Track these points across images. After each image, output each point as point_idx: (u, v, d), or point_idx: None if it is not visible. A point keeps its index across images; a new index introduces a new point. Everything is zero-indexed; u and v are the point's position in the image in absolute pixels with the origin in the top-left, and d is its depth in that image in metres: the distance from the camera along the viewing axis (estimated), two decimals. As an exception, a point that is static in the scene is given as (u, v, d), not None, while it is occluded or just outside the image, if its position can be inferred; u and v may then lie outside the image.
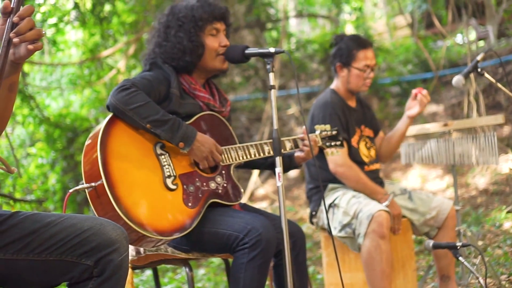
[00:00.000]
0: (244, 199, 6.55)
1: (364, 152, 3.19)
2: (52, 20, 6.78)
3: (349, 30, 10.56)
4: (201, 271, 4.95)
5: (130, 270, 2.29)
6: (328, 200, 3.05)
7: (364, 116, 3.30)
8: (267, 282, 2.95)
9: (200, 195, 2.26)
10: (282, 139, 2.44)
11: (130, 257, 2.34)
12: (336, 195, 3.04)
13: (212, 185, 2.32)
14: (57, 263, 1.57)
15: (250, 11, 8.29)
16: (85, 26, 6.91)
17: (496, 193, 5.22)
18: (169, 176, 2.20)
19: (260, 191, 7.28)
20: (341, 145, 2.72)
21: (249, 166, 2.62)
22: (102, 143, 2.10)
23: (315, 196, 3.14)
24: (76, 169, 6.39)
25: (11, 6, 1.46)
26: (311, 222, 3.21)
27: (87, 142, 2.17)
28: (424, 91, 3.12)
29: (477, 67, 2.90)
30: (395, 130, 3.24)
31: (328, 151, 2.68)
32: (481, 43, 8.04)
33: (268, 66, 2.21)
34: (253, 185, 7.03)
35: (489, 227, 4.42)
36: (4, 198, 5.28)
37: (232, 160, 2.39)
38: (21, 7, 1.49)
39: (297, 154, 2.57)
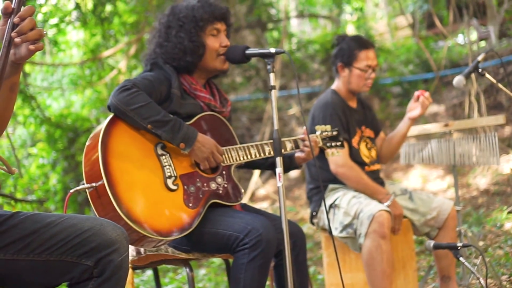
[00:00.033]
0: (245, 199, 6.55)
1: (365, 153, 3.19)
2: (54, 21, 6.79)
3: (350, 30, 10.56)
4: (202, 271, 4.95)
5: (130, 270, 2.29)
6: (328, 201, 3.05)
7: (365, 117, 3.30)
8: (268, 282, 2.95)
9: (201, 196, 2.26)
10: (282, 139, 2.44)
11: (130, 257, 2.34)
12: (336, 196, 3.04)
13: (213, 185, 2.32)
14: (57, 264, 1.57)
15: (251, 11, 8.30)
16: (86, 27, 6.92)
17: (497, 193, 5.22)
18: (170, 177, 2.21)
19: (261, 191, 7.28)
20: (342, 146, 2.72)
21: (249, 166, 2.62)
22: (103, 143, 2.10)
23: (316, 196, 3.14)
24: (77, 169, 6.39)
25: (12, 6, 1.46)
26: (312, 223, 3.21)
27: (88, 142, 2.17)
28: (427, 93, 3.11)
29: (478, 68, 2.90)
30: (396, 131, 3.24)
31: (328, 151, 2.68)
32: (483, 44, 8.03)
33: (268, 67, 2.21)
34: (254, 185, 7.03)
35: (490, 227, 4.41)
36: (5, 198, 5.29)
37: (233, 161, 2.39)
38: (22, 7, 1.49)
39: (298, 154, 2.57)
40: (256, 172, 6.92)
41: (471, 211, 4.96)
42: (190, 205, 2.21)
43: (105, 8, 6.73)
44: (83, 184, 2.10)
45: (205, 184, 2.29)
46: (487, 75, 2.87)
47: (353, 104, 3.26)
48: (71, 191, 2.14)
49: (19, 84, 1.62)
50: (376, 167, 3.21)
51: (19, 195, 6.12)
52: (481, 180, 5.58)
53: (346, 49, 3.17)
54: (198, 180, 2.29)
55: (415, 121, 3.16)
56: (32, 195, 6.42)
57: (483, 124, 3.51)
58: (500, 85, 2.91)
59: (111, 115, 2.22)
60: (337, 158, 2.98)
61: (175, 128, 2.21)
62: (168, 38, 2.44)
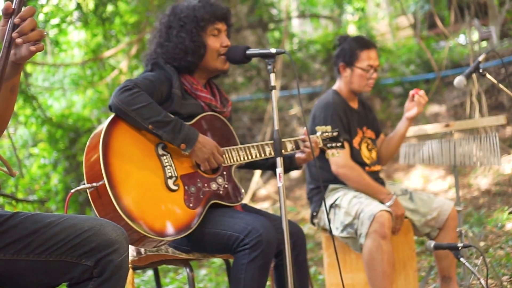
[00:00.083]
0: (246, 199, 6.56)
1: (366, 154, 3.19)
2: (55, 21, 6.80)
3: (352, 30, 10.56)
4: (203, 272, 4.95)
5: (130, 270, 2.30)
6: (329, 201, 3.05)
7: (366, 118, 3.30)
8: (268, 283, 2.95)
9: (201, 196, 2.26)
10: (283, 140, 2.44)
11: (130, 258, 2.34)
12: (337, 196, 3.04)
13: (213, 186, 2.32)
14: (57, 264, 1.57)
15: (252, 12, 8.30)
16: (87, 27, 6.93)
17: (498, 193, 5.21)
18: (171, 177, 2.21)
19: (262, 192, 7.28)
20: (342, 147, 2.72)
21: (249, 166, 2.62)
22: (104, 143, 2.10)
23: (316, 196, 3.14)
24: (78, 169, 6.40)
25: (13, 7, 1.47)
26: (312, 223, 3.21)
27: (89, 142, 2.17)
28: (421, 92, 3.12)
29: (479, 68, 2.89)
30: (395, 132, 3.24)
31: (328, 152, 2.68)
32: (484, 44, 8.02)
33: (269, 67, 2.21)
34: (255, 186, 7.04)
35: (491, 228, 4.41)
36: (6, 198, 5.30)
37: (234, 161, 2.39)
38: (23, 8, 1.49)
39: (298, 155, 2.57)
40: (257, 172, 6.92)
41: (472, 211, 4.95)
42: (191, 205, 2.21)
43: (106, 8, 6.73)
44: (84, 184, 2.10)
45: (205, 185, 2.30)
46: (488, 76, 2.87)
47: (354, 104, 3.26)
48: (72, 191, 2.14)
49: (19, 85, 1.63)
50: (376, 168, 3.21)
51: (20, 195, 6.13)
52: (482, 181, 5.58)
53: (348, 49, 3.17)
54: (198, 180, 2.29)
55: (413, 120, 3.16)
56: (33, 195, 6.43)
57: (484, 124, 3.51)
58: (501, 86, 2.91)
59: (112, 115, 2.22)
60: (338, 158, 2.98)
61: (176, 129, 2.22)
62: (169, 38, 2.45)
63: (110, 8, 6.87)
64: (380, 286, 2.77)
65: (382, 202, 2.96)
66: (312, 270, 4.44)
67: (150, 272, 4.85)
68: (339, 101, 3.17)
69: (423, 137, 4.53)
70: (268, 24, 8.82)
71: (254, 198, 7.10)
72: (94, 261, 1.57)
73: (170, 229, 2.12)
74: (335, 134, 2.72)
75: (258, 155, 2.43)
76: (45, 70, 8.34)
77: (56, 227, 1.59)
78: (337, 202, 3.01)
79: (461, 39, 9.09)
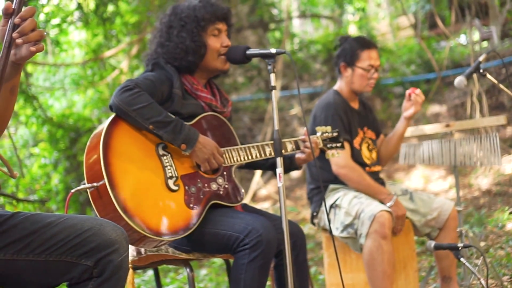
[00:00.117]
0: (246, 199, 6.56)
1: (366, 154, 3.19)
2: (56, 21, 6.81)
3: (352, 30, 10.56)
4: (203, 271, 4.96)
5: (130, 270, 2.30)
6: (329, 201, 3.05)
7: (367, 118, 3.30)
8: (268, 283, 2.95)
9: (202, 196, 2.26)
10: (283, 140, 2.44)
11: (131, 258, 2.34)
12: (337, 196, 3.04)
13: (214, 186, 2.32)
14: (57, 264, 1.58)
15: (253, 12, 8.30)
16: (88, 27, 6.93)
17: (499, 194, 5.21)
18: (171, 177, 2.21)
19: (263, 192, 7.28)
20: (342, 147, 2.72)
21: (250, 166, 2.62)
22: (104, 143, 2.10)
23: (316, 196, 3.14)
24: (79, 169, 6.40)
25: (13, 7, 1.47)
26: (313, 223, 3.21)
27: (89, 142, 2.17)
28: (418, 90, 3.12)
29: (479, 68, 2.89)
30: (394, 132, 3.24)
31: (328, 152, 2.68)
32: (485, 44, 8.02)
33: (269, 67, 2.21)
34: (256, 186, 7.04)
35: (491, 228, 4.41)
36: (7, 198, 5.30)
37: (234, 161, 2.39)
38: (23, 8, 1.49)
39: (298, 155, 2.57)
40: (258, 172, 6.93)
41: (472, 211, 4.95)
42: (191, 205, 2.21)
43: (107, 8, 6.74)
44: (84, 184, 2.10)
45: (206, 185, 2.30)
46: (489, 76, 2.87)
47: (355, 105, 3.26)
48: (72, 191, 2.14)
49: (18, 86, 1.63)
50: (376, 168, 3.21)
51: (21, 195, 6.14)
52: (483, 181, 5.58)
53: (349, 49, 3.17)
54: (199, 180, 2.29)
55: (412, 119, 3.17)
56: (34, 195, 6.43)
57: (484, 124, 3.51)
58: (501, 86, 2.90)
59: (112, 115, 2.22)
60: (339, 159, 2.98)
61: (177, 129, 2.22)
62: (170, 38, 2.45)
63: (110, 8, 6.88)
64: (380, 286, 2.77)
65: (382, 202, 2.96)
66: (312, 270, 4.44)
67: (150, 272, 4.85)
68: (340, 101, 3.17)
69: (424, 137, 4.53)
70: (269, 24, 8.83)
71: (254, 198, 7.10)
72: (94, 261, 1.57)
73: (170, 229, 2.12)
74: (335, 134, 2.72)
75: (258, 155, 2.43)
76: (46, 70, 8.35)
77: (56, 227, 1.59)
78: (337, 202, 3.01)
79: (462, 39, 9.09)
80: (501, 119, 3.15)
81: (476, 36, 8.14)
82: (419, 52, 8.40)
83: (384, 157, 3.30)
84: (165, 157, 2.24)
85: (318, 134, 2.68)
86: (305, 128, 2.52)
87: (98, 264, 1.57)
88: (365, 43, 3.19)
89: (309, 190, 3.20)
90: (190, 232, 2.17)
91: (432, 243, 2.63)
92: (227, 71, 2.54)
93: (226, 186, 2.36)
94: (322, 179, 3.12)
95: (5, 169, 1.67)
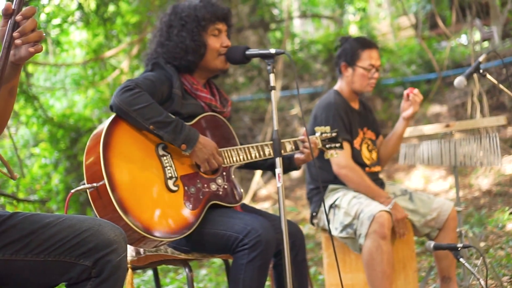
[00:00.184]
0: (247, 199, 6.56)
1: (366, 155, 3.19)
2: (56, 21, 6.82)
3: (353, 30, 10.55)
4: (203, 272, 4.96)
5: (129, 270, 2.30)
6: (329, 201, 3.05)
7: (367, 118, 3.30)
8: (268, 283, 2.95)
9: (201, 197, 2.26)
10: (282, 141, 2.44)
11: (130, 258, 2.34)
12: (337, 196, 3.04)
13: (213, 186, 2.32)
14: (56, 264, 1.58)
15: (254, 12, 8.30)
16: (89, 27, 6.94)
17: (499, 194, 5.21)
18: (171, 178, 2.21)
19: (263, 192, 7.28)
20: (341, 147, 2.72)
21: (249, 166, 2.63)
22: (104, 143, 2.10)
23: (316, 197, 3.14)
24: (79, 169, 6.41)
25: (13, 7, 1.47)
26: (312, 223, 3.21)
27: (89, 142, 2.17)
28: (415, 90, 3.12)
29: (479, 68, 2.89)
30: (393, 132, 3.24)
31: (327, 153, 2.68)
32: (486, 44, 8.01)
33: (268, 67, 2.21)
34: (256, 186, 7.04)
35: (491, 228, 4.41)
36: (7, 198, 5.31)
37: (233, 162, 2.39)
38: (23, 8, 1.49)
39: (297, 155, 2.57)
40: (258, 173, 6.93)
41: (473, 211, 4.95)
42: (190, 206, 2.21)
43: (107, 9, 6.74)
44: (84, 184, 2.10)
45: (205, 185, 2.30)
46: (488, 76, 2.86)
47: (355, 105, 3.26)
48: (72, 191, 2.14)
49: (17, 86, 1.63)
50: (376, 168, 3.21)
51: (21, 195, 6.14)
52: (483, 181, 5.58)
53: (350, 49, 3.17)
54: (198, 181, 2.29)
55: (411, 119, 3.17)
56: (34, 195, 6.44)
57: (484, 124, 3.50)
58: (501, 86, 2.90)
59: (113, 115, 2.22)
60: (340, 159, 2.98)
61: (177, 129, 2.22)
62: (170, 37, 2.45)
63: (111, 8, 6.89)
64: (379, 286, 2.77)
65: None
66: (312, 270, 4.44)
67: (150, 272, 4.86)
68: (341, 102, 3.17)
69: (424, 138, 4.53)
70: (270, 24, 8.83)
71: (254, 198, 7.10)
72: (93, 261, 1.57)
73: (169, 229, 2.12)
74: (334, 134, 2.72)
75: (257, 156, 2.43)
76: (47, 70, 8.37)
77: (54, 227, 1.59)
78: (336, 203, 3.01)
79: (463, 39, 9.08)
80: (501, 119, 3.15)
81: (477, 36, 8.13)
82: (420, 52, 8.40)
83: (384, 158, 3.30)
84: (165, 158, 2.24)
85: (317, 134, 2.68)
86: (304, 129, 2.52)
87: (96, 264, 1.57)
88: (366, 43, 3.20)
89: (308, 190, 3.20)
90: (189, 233, 2.17)
91: (431, 243, 2.63)
92: (226, 70, 2.54)
93: (226, 186, 2.36)
94: (321, 179, 3.12)
95: (5, 170, 1.67)
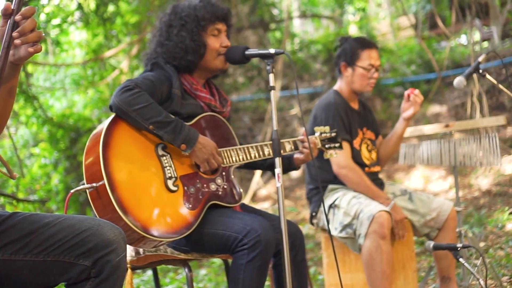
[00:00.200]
0: (246, 199, 6.56)
1: (365, 155, 3.19)
2: (56, 21, 6.82)
3: (353, 30, 10.56)
4: (203, 272, 4.96)
5: (129, 270, 2.30)
6: (328, 201, 3.05)
7: (366, 119, 3.30)
8: (268, 283, 2.95)
9: (201, 197, 2.26)
10: (282, 141, 2.44)
11: (129, 258, 2.34)
12: (336, 196, 3.04)
13: (213, 186, 2.32)
14: (55, 264, 1.58)
15: (253, 12, 8.31)
16: (88, 27, 6.94)
17: (499, 194, 5.21)
18: (170, 178, 2.21)
19: (263, 192, 7.28)
20: (340, 147, 2.72)
21: (248, 166, 2.63)
22: (104, 143, 2.10)
23: (315, 197, 3.14)
24: (79, 169, 6.40)
25: (12, 7, 1.47)
26: (312, 223, 3.21)
27: (89, 142, 2.17)
28: (416, 91, 3.12)
29: (479, 68, 2.89)
30: (393, 133, 3.24)
31: (327, 153, 2.68)
32: (485, 44, 8.02)
33: (268, 67, 2.21)
34: (256, 186, 7.04)
35: (491, 228, 4.41)
36: (7, 198, 5.31)
37: (233, 162, 2.39)
38: (22, 8, 1.49)
39: (297, 155, 2.57)
40: (258, 173, 6.93)
41: (472, 211, 4.95)
42: (190, 206, 2.21)
43: (107, 9, 6.74)
44: (83, 184, 2.10)
45: (205, 185, 2.30)
46: (488, 76, 2.86)
47: (355, 105, 3.26)
48: (72, 191, 2.13)
49: (17, 86, 1.63)
50: (376, 168, 3.21)
51: (21, 195, 6.14)
52: (483, 181, 5.58)
53: (349, 49, 3.17)
54: (198, 181, 2.29)
55: (411, 120, 3.17)
56: (34, 195, 6.44)
57: (484, 125, 3.50)
58: (500, 86, 2.90)
59: (112, 115, 2.22)
60: (340, 159, 2.98)
61: (177, 129, 2.22)
62: (169, 37, 2.45)
63: (111, 8, 6.89)
64: (379, 286, 2.77)
65: None
66: (312, 270, 4.44)
67: (150, 272, 4.86)
68: (340, 102, 3.17)
69: (423, 138, 4.53)
70: (269, 24, 8.83)
71: (254, 198, 7.10)
72: (92, 261, 1.57)
73: (169, 229, 2.12)
74: (333, 134, 2.72)
75: (257, 156, 2.43)
76: (46, 70, 8.37)
77: (54, 227, 1.59)
78: (336, 203, 3.01)
79: (463, 39, 9.09)
80: (500, 119, 3.15)
81: (476, 36, 8.14)
82: (420, 52, 8.40)
83: (383, 158, 3.30)
84: (164, 158, 2.24)
85: (317, 134, 2.68)
86: (303, 128, 2.52)
87: (96, 264, 1.57)
88: (366, 43, 3.20)
89: (308, 190, 3.20)
90: (189, 233, 2.17)
91: (431, 244, 2.63)
92: (226, 70, 2.54)
93: (225, 186, 2.36)
94: (321, 179, 3.12)
95: (4, 170, 1.67)
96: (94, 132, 2.20)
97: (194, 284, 4.44)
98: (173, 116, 2.25)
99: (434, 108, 7.38)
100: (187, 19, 2.44)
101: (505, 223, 4.42)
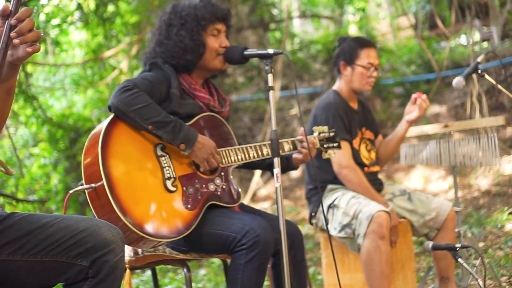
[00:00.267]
0: (246, 199, 6.56)
1: (365, 154, 3.19)
2: (56, 21, 6.82)
3: (353, 30, 10.56)
4: (202, 272, 4.96)
5: (128, 270, 2.30)
6: (327, 201, 3.05)
7: (365, 119, 3.30)
8: (267, 283, 2.95)
9: (199, 197, 2.26)
10: (280, 141, 2.44)
11: (128, 258, 2.34)
12: (335, 196, 3.04)
13: (211, 187, 2.32)
14: (53, 264, 1.58)
15: (253, 12, 8.31)
16: (88, 27, 6.94)
17: (498, 194, 5.21)
18: (169, 178, 2.21)
19: (262, 192, 7.28)
20: (338, 147, 2.72)
21: (247, 166, 2.63)
22: (103, 143, 2.10)
23: (315, 197, 3.14)
24: (79, 169, 6.40)
25: (10, 8, 1.47)
26: (311, 223, 3.21)
27: (88, 142, 2.17)
28: (424, 96, 3.12)
29: (478, 69, 2.89)
30: (394, 134, 3.25)
31: (325, 153, 2.68)
32: (485, 44, 8.02)
33: (267, 67, 2.21)
34: (255, 186, 7.04)
35: (490, 228, 4.41)
36: (6, 198, 5.31)
37: (232, 162, 2.39)
38: (21, 8, 1.50)
39: (295, 155, 2.57)
40: (257, 172, 6.93)
41: (472, 212, 4.95)
42: (189, 206, 2.21)
43: (107, 9, 6.74)
44: (82, 184, 2.10)
45: (203, 186, 2.30)
46: (487, 76, 2.86)
47: (354, 105, 3.27)
48: (71, 191, 2.13)
49: (15, 87, 1.63)
50: (375, 168, 3.21)
51: (20, 195, 6.14)
52: (482, 181, 5.58)
53: (348, 48, 3.17)
54: (197, 181, 2.29)
55: (413, 123, 3.17)
56: (33, 195, 6.44)
57: (483, 125, 3.51)
58: (499, 86, 2.90)
59: (111, 116, 2.22)
60: (341, 159, 2.98)
61: (176, 129, 2.22)
62: (169, 36, 2.45)
63: (111, 8, 6.89)
64: (378, 286, 2.77)
65: None
66: (311, 270, 4.44)
67: (149, 272, 4.86)
68: (340, 101, 3.17)
69: (423, 138, 4.54)
70: (269, 24, 8.83)
71: (254, 198, 7.10)
72: (90, 262, 1.57)
73: (168, 230, 2.12)
74: (332, 134, 2.72)
75: (255, 156, 2.43)
76: (46, 70, 8.37)
77: (51, 227, 1.59)
78: (335, 203, 3.01)
79: (462, 39, 9.09)
80: (499, 119, 3.15)
81: (476, 36, 8.14)
82: (419, 53, 8.40)
83: (383, 158, 3.30)
84: (163, 158, 2.24)
85: (315, 134, 2.69)
86: (302, 128, 2.52)
87: (93, 264, 1.57)
88: (364, 42, 3.20)
89: (307, 190, 3.20)
90: (188, 233, 2.17)
91: (430, 244, 2.63)
92: (225, 71, 2.54)
93: (224, 186, 2.36)
94: (320, 179, 3.12)
95: (1, 169, 1.67)
96: (93, 132, 2.20)
97: (193, 284, 4.44)
98: (172, 116, 2.25)
99: (434, 108, 7.38)
100: (187, 18, 2.44)
101: (505, 223, 4.42)
